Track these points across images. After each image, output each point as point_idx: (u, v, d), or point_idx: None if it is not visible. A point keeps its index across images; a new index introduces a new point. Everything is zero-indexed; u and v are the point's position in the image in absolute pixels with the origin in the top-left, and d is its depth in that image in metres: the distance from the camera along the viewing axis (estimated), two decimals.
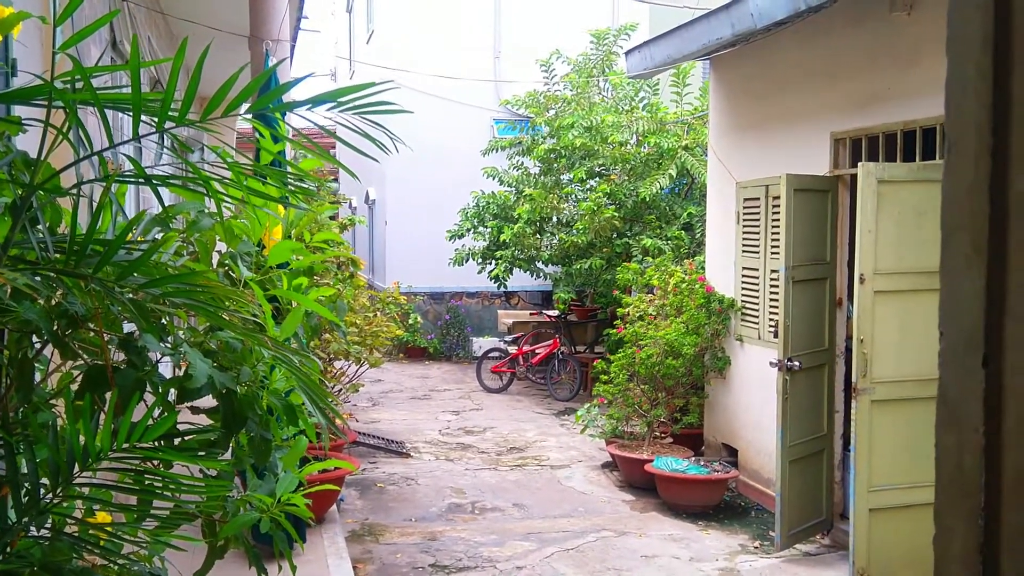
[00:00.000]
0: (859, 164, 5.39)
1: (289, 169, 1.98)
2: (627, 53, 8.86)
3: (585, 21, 14.07)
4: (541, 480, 8.31)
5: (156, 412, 1.70)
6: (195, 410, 1.83)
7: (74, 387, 2.06)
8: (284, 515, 2.01)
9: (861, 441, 5.37)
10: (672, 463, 7.49)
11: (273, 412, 1.92)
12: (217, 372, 1.63)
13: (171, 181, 1.60)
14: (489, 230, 12.68)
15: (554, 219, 12.20)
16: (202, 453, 1.69)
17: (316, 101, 1.53)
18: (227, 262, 2.33)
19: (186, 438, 1.68)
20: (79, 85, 1.59)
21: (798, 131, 7.13)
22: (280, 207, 2.18)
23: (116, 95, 1.48)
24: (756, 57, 7.64)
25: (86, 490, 1.76)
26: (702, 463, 7.61)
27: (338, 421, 6.21)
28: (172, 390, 1.79)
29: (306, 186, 1.89)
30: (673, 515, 7.28)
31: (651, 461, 7.63)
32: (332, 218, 8.10)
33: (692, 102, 11.84)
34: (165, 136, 1.69)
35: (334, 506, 6.78)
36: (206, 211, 2.47)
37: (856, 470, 5.39)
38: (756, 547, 6.61)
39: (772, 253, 7.30)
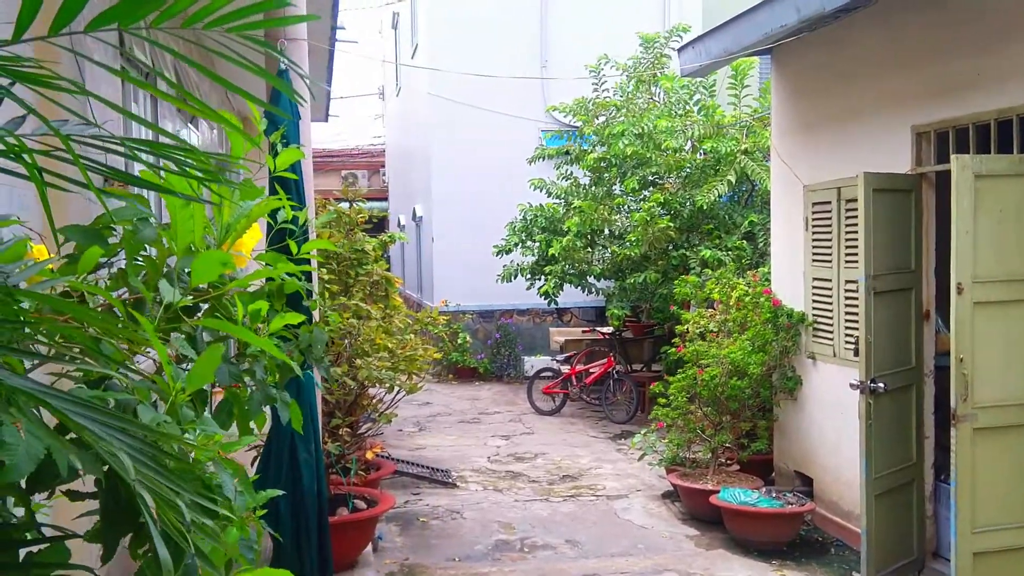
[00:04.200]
0: (952, 157, 4.70)
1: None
2: (679, 50, 8.23)
3: (634, 26, 13.43)
4: (596, 512, 7.67)
5: None
6: (73, 496, 1.27)
7: None
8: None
9: (963, 474, 4.65)
10: (740, 495, 6.80)
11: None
12: (75, 448, 1.06)
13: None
14: (537, 244, 12.10)
15: (606, 231, 11.56)
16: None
17: None
18: (135, 281, 1.76)
19: (39, 548, 1.11)
20: None
21: (873, 126, 6.43)
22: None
23: None
24: (822, 46, 6.96)
25: None
26: (773, 494, 6.91)
27: (368, 454, 5.57)
28: None
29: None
30: (743, 552, 6.58)
31: (716, 492, 6.94)
32: (371, 234, 7.57)
33: (751, 104, 11.14)
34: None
35: (368, 546, 6.22)
36: (150, 217, 1.94)
37: (958, 508, 4.67)
38: None
39: (847, 262, 6.60)
